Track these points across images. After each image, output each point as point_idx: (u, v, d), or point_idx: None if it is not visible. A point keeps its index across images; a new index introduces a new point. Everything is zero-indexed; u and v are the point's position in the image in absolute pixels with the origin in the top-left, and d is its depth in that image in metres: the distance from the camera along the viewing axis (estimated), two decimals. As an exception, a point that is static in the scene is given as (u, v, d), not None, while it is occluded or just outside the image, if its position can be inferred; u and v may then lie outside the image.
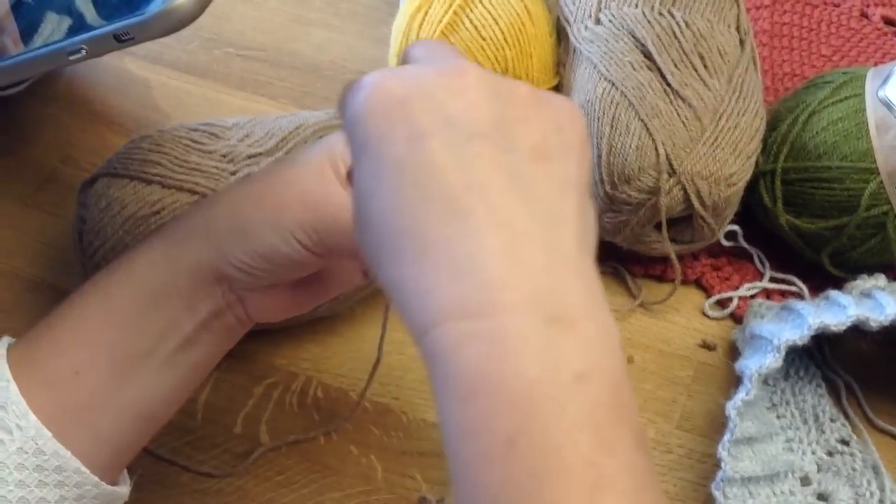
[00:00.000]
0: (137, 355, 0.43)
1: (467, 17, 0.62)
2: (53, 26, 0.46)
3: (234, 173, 0.56)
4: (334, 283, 0.48)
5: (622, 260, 0.61)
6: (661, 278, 0.62)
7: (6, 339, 0.44)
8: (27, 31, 0.47)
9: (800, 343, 0.50)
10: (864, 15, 0.74)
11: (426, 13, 0.63)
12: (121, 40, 0.39)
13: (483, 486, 0.27)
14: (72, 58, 0.40)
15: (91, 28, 0.42)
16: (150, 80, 0.73)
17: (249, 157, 0.57)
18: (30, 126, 0.70)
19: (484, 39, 0.62)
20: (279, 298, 0.46)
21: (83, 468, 0.42)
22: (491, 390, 0.27)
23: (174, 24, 0.38)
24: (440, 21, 0.62)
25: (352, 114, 0.31)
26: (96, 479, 0.43)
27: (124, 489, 0.46)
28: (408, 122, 0.30)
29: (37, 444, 0.41)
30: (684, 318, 0.61)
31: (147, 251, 0.45)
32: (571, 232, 0.30)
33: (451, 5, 0.62)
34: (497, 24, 0.62)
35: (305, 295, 0.48)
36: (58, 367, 0.43)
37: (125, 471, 0.47)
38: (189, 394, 0.47)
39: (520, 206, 0.29)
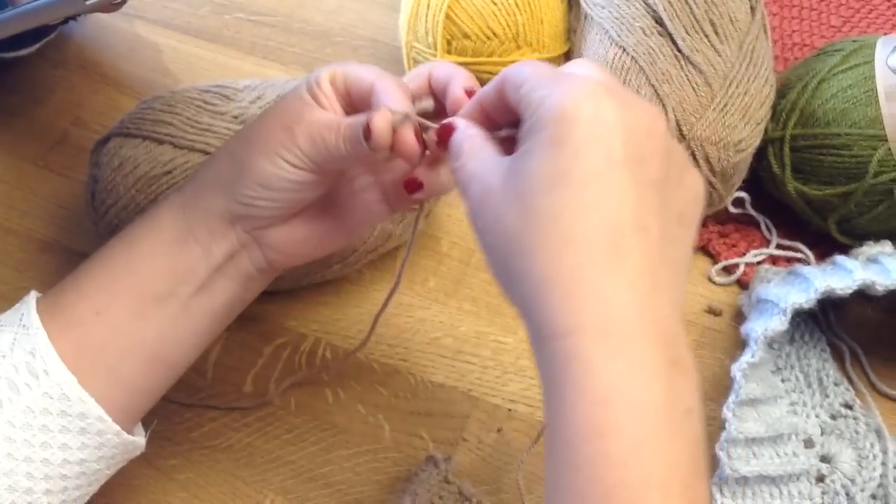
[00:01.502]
0: (156, 297, 0.44)
1: (479, -18, 0.62)
2: None
3: (245, 134, 0.56)
4: (353, 219, 0.47)
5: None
6: (668, 245, 0.62)
7: (34, 293, 0.45)
8: None
9: (806, 306, 0.50)
10: (873, -14, 0.74)
11: (438, -21, 0.62)
12: None
13: (597, 481, 0.31)
14: (88, 3, 0.40)
15: None
16: (160, 45, 0.73)
17: (261, 118, 0.57)
18: (40, 88, 0.70)
19: (496, 5, 0.61)
20: (296, 237, 0.46)
21: (105, 416, 0.43)
22: (625, 402, 0.32)
23: None
24: (452, -14, 0.62)
25: (555, 107, 0.34)
26: (118, 427, 0.44)
27: (141, 440, 0.47)
28: (609, 145, 0.33)
29: (62, 389, 0.42)
30: (691, 283, 0.61)
31: (168, 206, 0.46)
32: (682, 292, 0.36)
33: (463, -29, 0.62)
34: (509, -11, 0.62)
35: (324, 233, 0.47)
36: (80, 310, 0.44)
37: (140, 424, 0.47)
38: (205, 344, 0.47)
39: (661, 260, 0.34)
